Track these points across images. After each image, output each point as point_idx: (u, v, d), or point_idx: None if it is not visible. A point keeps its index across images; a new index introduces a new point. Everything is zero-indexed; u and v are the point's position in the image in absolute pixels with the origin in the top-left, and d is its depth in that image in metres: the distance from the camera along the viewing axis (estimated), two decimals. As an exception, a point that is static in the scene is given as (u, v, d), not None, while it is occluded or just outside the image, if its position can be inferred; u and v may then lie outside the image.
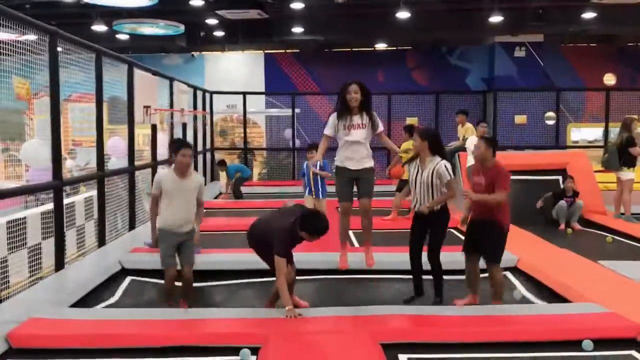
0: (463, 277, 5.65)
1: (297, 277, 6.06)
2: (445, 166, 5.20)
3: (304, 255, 6.60)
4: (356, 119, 5.46)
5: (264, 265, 5.30)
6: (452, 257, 5.96)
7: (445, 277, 5.60)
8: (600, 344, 4.40)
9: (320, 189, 8.30)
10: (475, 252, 5.36)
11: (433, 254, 5.36)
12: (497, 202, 5.16)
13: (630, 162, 9.60)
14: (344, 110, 5.44)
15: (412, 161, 5.39)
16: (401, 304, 5.41)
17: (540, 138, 16.53)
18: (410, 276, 5.60)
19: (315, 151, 6.68)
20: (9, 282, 6.10)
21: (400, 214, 9.47)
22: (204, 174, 14.80)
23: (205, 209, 10.84)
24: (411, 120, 16.35)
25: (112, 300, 5.85)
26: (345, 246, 5.89)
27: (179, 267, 5.46)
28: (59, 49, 6.42)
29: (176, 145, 5.40)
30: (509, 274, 6.58)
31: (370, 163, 5.54)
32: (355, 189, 5.69)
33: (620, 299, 5.21)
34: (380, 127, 5.54)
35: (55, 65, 6.31)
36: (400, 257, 6.04)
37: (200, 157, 14.50)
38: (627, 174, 9.62)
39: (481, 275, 5.55)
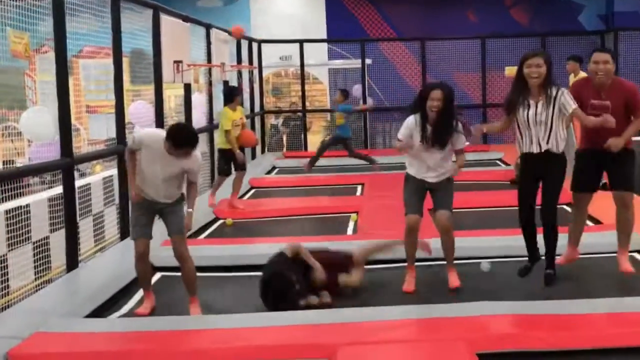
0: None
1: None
2: (567, 93, 5.43)
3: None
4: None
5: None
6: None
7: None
8: None
9: None
10: (589, 191, 5.82)
11: (549, 209, 5.56)
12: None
13: None
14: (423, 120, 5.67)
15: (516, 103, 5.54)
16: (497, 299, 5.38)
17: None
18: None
19: None
20: (9, 288, 6.10)
21: None
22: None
23: (255, 187, 11.07)
24: (510, 71, 15.92)
25: (133, 304, 5.91)
26: (411, 268, 5.98)
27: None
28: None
29: (180, 141, 5.14)
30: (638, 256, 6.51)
31: (448, 174, 5.76)
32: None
33: None
34: (462, 144, 5.76)
35: (61, 11, 6.34)
36: (497, 242, 6.72)
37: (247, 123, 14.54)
38: None
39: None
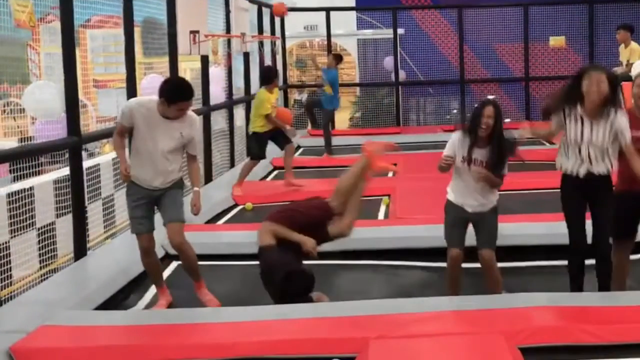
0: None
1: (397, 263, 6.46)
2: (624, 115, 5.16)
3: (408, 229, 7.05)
4: (480, 153, 5.31)
5: (355, 245, 6.30)
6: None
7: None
8: None
9: None
10: (630, 238, 5.45)
11: (604, 236, 5.30)
12: None
13: None
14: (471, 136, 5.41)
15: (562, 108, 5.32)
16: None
17: None
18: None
19: None
20: (11, 278, 6.11)
21: None
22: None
23: (278, 168, 11.02)
24: (555, 41, 16.50)
25: (147, 295, 5.92)
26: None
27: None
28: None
29: (173, 94, 5.15)
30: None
31: (491, 205, 5.49)
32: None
33: None
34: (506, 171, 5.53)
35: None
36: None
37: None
38: None
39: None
